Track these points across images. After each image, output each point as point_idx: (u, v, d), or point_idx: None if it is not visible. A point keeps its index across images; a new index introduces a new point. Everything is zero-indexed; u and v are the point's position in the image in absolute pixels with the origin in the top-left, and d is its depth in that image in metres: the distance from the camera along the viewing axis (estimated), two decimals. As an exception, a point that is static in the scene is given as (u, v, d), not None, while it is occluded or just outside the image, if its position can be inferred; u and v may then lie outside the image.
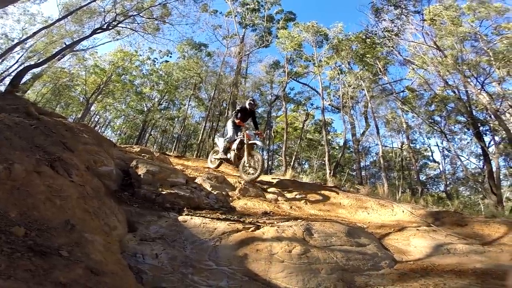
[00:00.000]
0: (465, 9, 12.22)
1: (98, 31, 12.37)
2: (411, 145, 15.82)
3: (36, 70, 13.67)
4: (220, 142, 5.96)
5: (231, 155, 5.62)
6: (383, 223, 4.07)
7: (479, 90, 9.83)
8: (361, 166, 17.65)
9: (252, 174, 4.94)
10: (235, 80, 17.03)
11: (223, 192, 3.94)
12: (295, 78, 19.16)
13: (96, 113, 22.78)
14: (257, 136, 5.43)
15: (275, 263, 2.26)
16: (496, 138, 12.50)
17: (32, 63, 12.55)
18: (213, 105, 17.86)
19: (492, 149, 12.05)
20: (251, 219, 3.08)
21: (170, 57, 21.57)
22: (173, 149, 16.63)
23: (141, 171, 3.61)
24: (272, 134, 21.79)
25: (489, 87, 11.97)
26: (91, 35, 12.54)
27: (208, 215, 2.92)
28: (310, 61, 18.04)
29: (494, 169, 10.63)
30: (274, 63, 20.39)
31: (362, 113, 17.80)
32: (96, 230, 1.74)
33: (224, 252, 2.29)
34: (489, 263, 2.69)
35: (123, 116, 22.89)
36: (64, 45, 12.57)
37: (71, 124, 4.15)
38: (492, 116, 10.48)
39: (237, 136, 5.62)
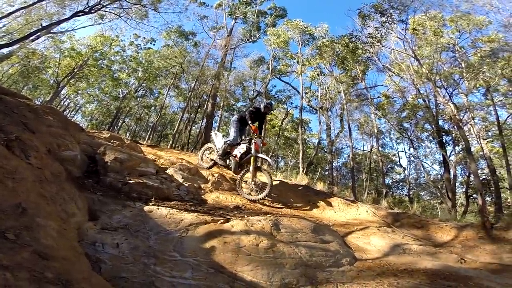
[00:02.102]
0: (448, 21, 12.73)
1: (79, 14, 11.55)
2: (380, 149, 16.63)
3: (5, 51, 12.57)
4: (219, 141, 5.21)
5: (231, 162, 4.84)
6: (348, 222, 4.25)
7: (446, 101, 10.51)
8: (333, 166, 18.24)
9: (256, 194, 4.34)
10: (218, 73, 16.76)
11: (195, 184, 3.89)
12: (278, 76, 19.28)
13: (66, 97, 21.46)
14: (262, 147, 4.88)
15: (242, 256, 2.28)
16: (457, 148, 13.53)
17: (3, 43, 11.49)
18: (193, 96, 17.46)
19: (452, 158, 13.02)
20: (221, 212, 3.07)
21: (154, 44, 20.86)
22: (146, 138, 16.08)
23: (109, 158, 3.45)
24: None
25: (456, 98, 12.87)
26: (71, 17, 11.66)
27: (176, 207, 2.87)
28: (294, 59, 18.21)
29: (452, 176, 11.52)
30: (259, 59, 20.34)
31: (338, 115, 18.40)
32: (51, 216, 1.64)
33: (190, 244, 2.27)
34: (439, 264, 2.88)
35: (96, 102, 21.76)
36: (40, 27, 11.63)
37: (36, 106, 3.88)
38: (455, 127, 11.30)
39: (240, 139, 4.99)
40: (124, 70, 20.15)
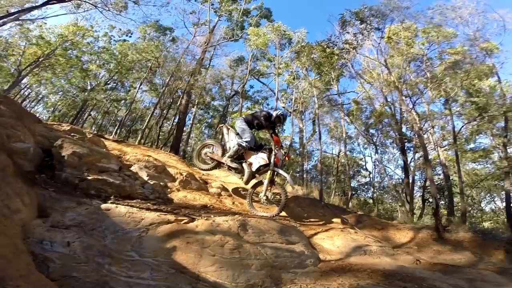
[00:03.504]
0: (420, 32, 13.40)
1: (53, 1, 10.62)
2: (348, 153, 17.36)
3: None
4: (231, 139, 4.58)
5: (246, 170, 4.22)
6: (314, 223, 4.34)
7: (410, 109, 11.24)
8: (304, 168, 18.67)
9: (268, 209, 4.07)
10: (195, 69, 16.40)
11: (161, 183, 3.72)
12: (256, 77, 19.35)
13: (28, 86, 19.74)
14: (282, 161, 4.42)
15: (206, 256, 2.22)
16: (417, 155, 14.52)
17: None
18: (167, 92, 16.92)
19: (412, 163, 13.95)
20: (186, 212, 2.96)
21: (130, 37, 19.96)
22: (113, 133, 15.26)
23: (66, 152, 3.19)
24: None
25: (419, 107, 13.82)
26: (43, 5, 10.68)
27: (138, 205, 2.72)
28: (271, 61, 18.42)
29: (411, 181, 12.34)
30: (239, 59, 20.28)
31: (310, 118, 18.92)
32: (-12, 212, 1.47)
33: (150, 244, 2.16)
34: (396, 265, 3.01)
35: (61, 93, 20.24)
36: (6, 13, 10.53)
37: (-14, 94, 3.50)
38: (416, 135, 12.12)
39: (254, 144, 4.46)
40: (95, 62, 19.02)
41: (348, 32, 13.17)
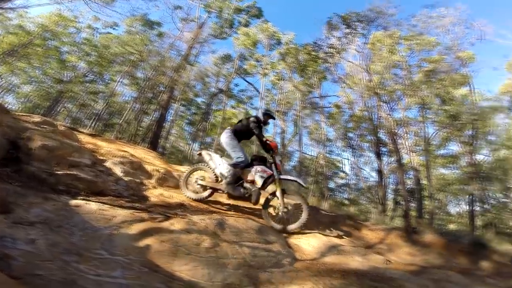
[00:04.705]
0: (403, 39, 13.81)
1: None
2: (326, 155, 17.78)
3: None
4: (219, 164, 4.02)
5: (247, 191, 3.76)
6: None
7: (387, 115, 11.70)
8: (284, 168, 18.93)
9: (288, 223, 3.64)
10: (180, 65, 16.06)
11: (136, 180, 3.59)
12: (242, 76, 19.32)
13: (-1, 75, 18.41)
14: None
15: (180, 255, 2.18)
16: (391, 159, 15.16)
17: None
18: (148, 86, 16.45)
19: (386, 167, 14.55)
20: (161, 210, 2.89)
21: (115, 29, 19.12)
22: (89, 126, 14.61)
23: (35, 144, 3.01)
24: (208, 126, 21.56)
25: (396, 113, 14.41)
26: None
27: (110, 202, 2.61)
28: (259, 61, 18.54)
29: (384, 184, 12.88)
30: (226, 56, 20.13)
31: (292, 120, 19.23)
32: None
33: (122, 242, 2.09)
34: (368, 265, 3.11)
35: (35, 83, 19.06)
36: None
37: None
38: (391, 140, 12.66)
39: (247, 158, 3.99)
40: (75, 53, 18.10)
41: (334, 36, 13.49)
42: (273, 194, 3.81)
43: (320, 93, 17.39)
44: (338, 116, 17.41)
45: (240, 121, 4.39)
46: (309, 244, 3.52)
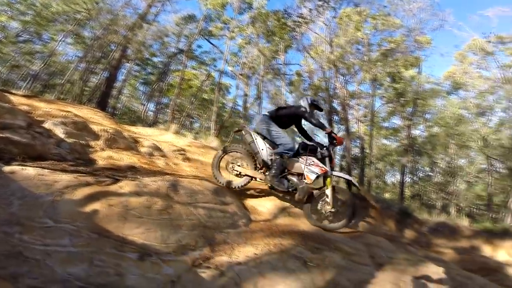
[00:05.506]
0: (370, 18, 14.25)
1: None
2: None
3: None
4: (262, 148, 3.49)
5: (300, 186, 3.28)
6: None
7: (342, 86, 12.35)
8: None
9: (335, 221, 3.30)
10: (136, 24, 14.35)
11: (81, 141, 3.24)
12: (206, 38, 18.29)
13: None
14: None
15: (131, 219, 2.14)
16: (341, 127, 16.33)
17: None
18: (97, 45, 14.59)
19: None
20: (109, 173, 2.72)
21: None
22: (23, 88, 12.73)
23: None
24: (165, 86, 20.41)
25: (350, 85, 15.26)
26: None
27: (51, 167, 2.39)
28: (226, 24, 17.74)
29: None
30: (190, 17, 18.54)
31: (255, 84, 19.27)
32: None
33: (66, 208, 1.97)
34: (312, 227, 3.33)
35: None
36: None
37: None
38: (343, 109, 13.53)
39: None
40: (5, 13, 14.83)
41: (305, 7, 13.36)
42: (319, 188, 3.42)
43: (284, 60, 17.55)
44: (298, 84, 17.95)
45: (279, 108, 3.92)
46: (264, 206, 3.65)
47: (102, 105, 11.57)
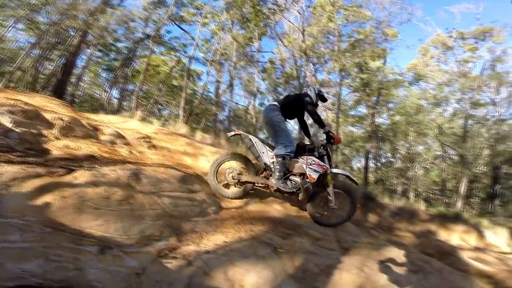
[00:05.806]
0: (343, 9, 14.50)
1: None
2: (257, 106, 18.97)
3: None
4: (263, 153, 3.39)
5: (306, 188, 3.21)
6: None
7: (312, 75, 12.67)
8: (218, 119, 19.02)
9: (330, 218, 3.34)
10: (97, 8, 13.24)
11: (33, 130, 2.94)
12: (177, 23, 17.50)
13: None
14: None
15: (88, 210, 2.04)
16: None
17: None
18: (52, 32, 13.31)
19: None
20: (63, 163, 2.54)
21: None
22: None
23: None
24: (130, 73, 19.35)
25: (320, 74, 15.69)
26: None
27: (-5, 158, 2.17)
28: (199, 9, 17.13)
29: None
30: (159, 1, 17.43)
31: (228, 71, 19.12)
32: None
33: (14, 202, 1.83)
34: (284, 213, 3.39)
35: None
36: None
37: None
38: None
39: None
40: None
41: None
42: (322, 187, 3.39)
43: (258, 47, 17.56)
44: (271, 71, 18.12)
45: (287, 96, 3.75)
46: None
47: (58, 93, 10.77)
